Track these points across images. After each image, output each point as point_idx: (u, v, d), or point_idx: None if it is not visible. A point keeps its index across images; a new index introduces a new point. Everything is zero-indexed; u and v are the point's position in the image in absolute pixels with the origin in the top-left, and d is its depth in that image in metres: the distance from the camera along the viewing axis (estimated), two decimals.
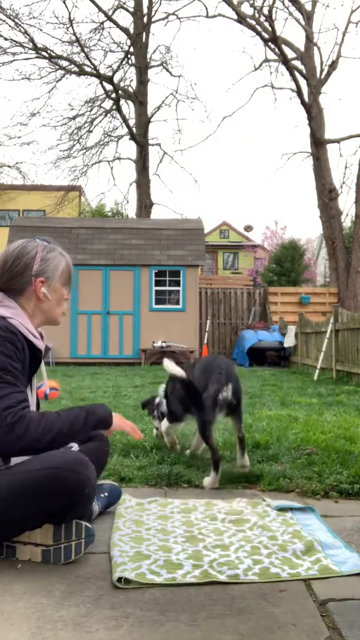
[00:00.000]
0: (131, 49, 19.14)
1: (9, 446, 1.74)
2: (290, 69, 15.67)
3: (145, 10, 18.91)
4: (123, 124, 19.46)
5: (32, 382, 2.03)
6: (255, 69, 17.92)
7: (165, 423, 3.22)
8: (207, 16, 18.03)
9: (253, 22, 15.93)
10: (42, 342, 2.01)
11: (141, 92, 19.10)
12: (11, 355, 1.81)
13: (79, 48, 18.03)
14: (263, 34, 15.81)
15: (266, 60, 17.53)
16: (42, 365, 2.16)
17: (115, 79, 18.65)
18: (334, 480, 2.61)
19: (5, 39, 18.06)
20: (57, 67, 19.08)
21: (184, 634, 1.37)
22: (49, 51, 18.39)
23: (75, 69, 18.85)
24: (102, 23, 18.97)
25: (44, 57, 18.58)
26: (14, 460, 1.88)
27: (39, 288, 1.96)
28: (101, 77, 18.02)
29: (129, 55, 19.31)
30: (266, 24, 15.43)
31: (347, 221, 17.66)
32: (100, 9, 18.03)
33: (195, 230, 13.76)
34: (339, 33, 25.77)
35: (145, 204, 18.86)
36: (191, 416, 3.10)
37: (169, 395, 3.26)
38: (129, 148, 44.76)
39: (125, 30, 18.89)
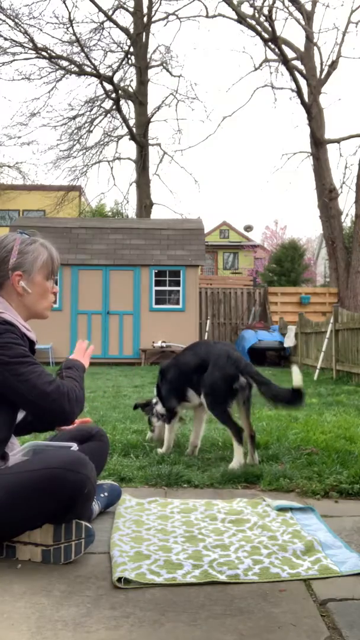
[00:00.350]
0: (131, 49, 19.13)
1: (70, 412, 1.84)
2: (290, 69, 15.67)
3: (145, 10, 18.90)
4: (123, 124, 19.46)
5: None
6: (255, 69, 17.92)
7: (165, 426, 3.29)
8: (207, 16, 18.04)
9: (253, 22, 15.93)
10: (33, 335, 2.00)
11: (141, 92, 19.09)
12: (20, 343, 1.84)
13: (79, 48, 18.01)
14: (263, 34, 15.81)
15: (266, 60, 17.53)
16: None
17: (115, 79, 18.65)
18: (334, 480, 2.61)
19: (5, 39, 18.05)
20: (57, 67, 19.06)
21: (184, 634, 1.37)
22: (49, 51, 18.38)
23: (75, 69, 18.84)
24: (102, 23, 18.97)
25: (44, 57, 18.56)
26: (13, 460, 1.88)
27: (17, 282, 1.92)
28: (101, 77, 18.01)
29: (129, 55, 19.30)
30: (266, 24, 15.43)
31: (347, 221, 17.66)
32: (100, 9, 18.03)
33: (195, 230, 13.76)
34: (339, 33, 25.72)
35: (145, 204, 18.86)
36: (187, 404, 3.27)
37: (161, 388, 3.33)
38: (129, 148, 44.82)
39: (125, 30, 18.88)
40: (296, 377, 2.82)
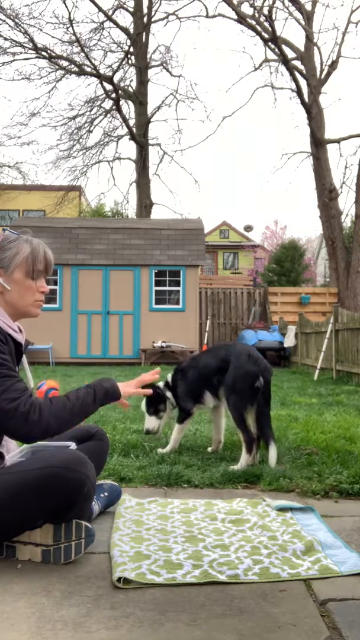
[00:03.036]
0: (131, 49, 19.13)
1: (27, 434, 1.77)
2: (290, 69, 15.66)
3: (145, 10, 18.90)
4: (123, 124, 19.46)
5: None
6: (255, 69, 17.93)
7: (176, 425, 3.30)
8: (207, 16, 18.03)
9: (253, 22, 15.93)
10: (21, 336, 1.97)
11: (141, 92, 19.10)
12: (1, 350, 1.80)
13: (79, 48, 18.00)
14: (263, 34, 15.81)
15: (266, 60, 17.54)
16: (25, 363, 2.15)
17: (115, 79, 18.64)
18: (334, 480, 2.61)
19: (5, 39, 18.05)
20: (57, 67, 19.07)
21: (184, 634, 1.37)
22: (49, 51, 18.38)
23: (75, 69, 18.84)
24: (102, 23, 18.97)
25: (44, 57, 18.56)
26: (12, 461, 1.88)
27: None
28: (101, 77, 18.01)
29: (129, 55, 19.30)
30: (266, 24, 15.43)
31: (347, 221, 17.66)
32: (100, 9, 18.02)
33: (195, 230, 13.76)
34: (339, 33, 25.73)
35: (145, 204, 18.86)
36: (202, 406, 3.27)
37: (177, 387, 3.30)
38: (129, 148, 44.81)
39: (125, 30, 18.88)
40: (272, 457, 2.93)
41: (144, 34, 18.94)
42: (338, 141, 16.35)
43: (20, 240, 1.93)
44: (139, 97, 18.98)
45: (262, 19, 15.61)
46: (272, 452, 2.92)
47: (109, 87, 18.51)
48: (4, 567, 1.74)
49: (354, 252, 15.06)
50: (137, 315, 12.98)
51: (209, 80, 49.67)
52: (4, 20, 17.58)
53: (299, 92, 15.86)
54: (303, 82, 16.17)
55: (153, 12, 18.85)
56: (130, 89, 19.57)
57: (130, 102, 19.78)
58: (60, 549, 1.78)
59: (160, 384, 3.36)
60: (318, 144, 16.02)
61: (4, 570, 1.72)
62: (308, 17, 16.18)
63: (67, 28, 17.86)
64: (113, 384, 1.99)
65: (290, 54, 16.12)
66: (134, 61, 19.27)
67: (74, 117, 20.10)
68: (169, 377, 3.37)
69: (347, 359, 8.71)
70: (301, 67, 16.39)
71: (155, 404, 3.31)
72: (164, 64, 19.64)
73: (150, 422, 3.34)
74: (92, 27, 19.37)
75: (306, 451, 3.19)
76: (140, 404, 3.45)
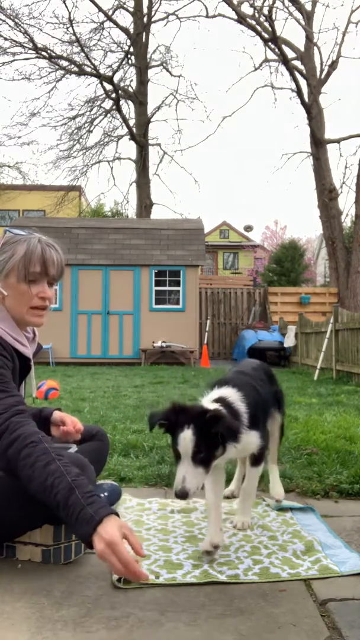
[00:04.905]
0: (131, 49, 19.14)
1: None
2: (290, 69, 15.67)
3: (145, 10, 18.91)
4: (123, 124, 19.48)
5: (20, 389, 1.94)
6: (255, 69, 17.96)
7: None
8: (207, 16, 18.05)
9: (253, 22, 15.93)
10: (28, 349, 1.86)
11: (141, 92, 19.10)
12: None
13: (79, 48, 18.03)
14: (263, 34, 15.81)
15: (266, 60, 17.56)
16: (32, 372, 2.02)
17: (115, 79, 18.67)
18: (334, 480, 2.61)
19: (5, 39, 18.07)
20: (57, 67, 19.08)
21: (184, 634, 1.37)
22: (49, 51, 18.39)
23: (75, 69, 18.85)
24: (102, 23, 18.99)
25: (44, 57, 18.58)
26: None
27: None
28: (101, 77, 18.01)
29: (129, 55, 19.31)
30: (266, 24, 15.43)
31: (347, 221, 17.68)
32: (100, 9, 18.03)
33: (195, 230, 13.76)
34: (339, 33, 25.76)
35: (145, 204, 18.86)
36: None
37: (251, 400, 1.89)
38: (129, 148, 44.81)
39: (125, 30, 18.89)
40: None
41: (144, 34, 18.95)
42: (338, 141, 16.36)
43: (20, 242, 1.82)
44: (139, 97, 18.99)
45: (262, 19, 15.62)
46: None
47: (109, 87, 18.53)
48: (4, 567, 1.74)
49: (354, 252, 15.07)
50: (137, 315, 12.98)
51: (209, 80, 49.74)
52: (4, 20, 17.61)
53: (299, 92, 15.86)
54: (303, 82, 16.18)
55: (153, 12, 18.87)
56: (130, 89, 19.58)
57: (130, 102, 19.79)
58: (60, 549, 1.78)
59: None
60: (318, 144, 16.03)
61: (4, 570, 1.72)
62: (308, 17, 16.19)
63: (67, 28, 17.90)
64: (89, 529, 1.44)
65: (290, 54, 16.14)
66: (134, 61, 19.27)
67: (74, 117, 20.13)
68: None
69: (347, 359, 8.70)
70: (301, 67, 16.39)
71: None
72: (164, 64, 19.67)
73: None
74: (92, 27, 19.44)
75: (306, 451, 3.19)
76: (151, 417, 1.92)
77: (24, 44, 18.04)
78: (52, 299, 1.87)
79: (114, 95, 18.63)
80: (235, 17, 15.97)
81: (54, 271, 1.84)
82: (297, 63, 16.43)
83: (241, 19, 15.81)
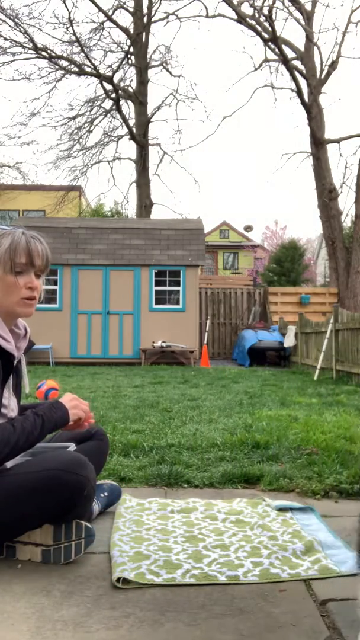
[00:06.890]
0: (131, 49, 19.13)
1: None
2: (290, 69, 15.67)
3: (145, 10, 18.90)
4: (123, 124, 19.47)
5: (10, 386, 1.92)
6: (255, 69, 17.93)
7: None
8: (207, 16, 18.04)
9: (253, 22, 15.93)
10: (12, 344, 1.85)
11: (141, 92, 19.10)
12: None
13: (79, 48, 18.02)
14: (263, 34, 15.81)
15: (266, 60, 17.54)
16: (24, 366, 2.02)
17: (115, 79, 18.65)
18: (334, 480, 2.61)
19: (5, 39, 18.05)
20: (57, 67, 19.07)
21: (184, 634, 1.37)
22: (49, 51, 18.38)
23: (75, 69, 18.84)
24: (102, 23, 18.97)
25: (44, 57, 18.57)
26: (12, 462, 1.87)
27: None
28: (101, 77, 18.01)
29: (129, 55, 19.30)
30: (266, 24, 15.43)
31: (347, 221, 17.65)
32: (100, 9, 18.02)
33: (195, 230, 13.76)
34: (339, 33, 25.76)
35: (145, 204, 18.86)
36: None
37: None
38: (129, 148, 44.77)
39: (125, 30, 18.88)
40: None
41: (144, 34, 18.94)
42: (338, 141, 16.36)
43: (4, 235, 1.84)
44: (139, 97, 18.98)
45: (262, 19, 15.62)
46: None
47: (109, 87, 18.52)
48: (4, 567, 1.74)
49: (354, 252, 15.07)
50: (137, 315, 12.98)
51: (209, 80, 49.65)
52: (4, 20, 17.59)
53: (299, 92, 15.86)
54: (303, 82, 16.18)
55: (153, 12, 18.86)
56: (130, 89, 19.57)
57: (130, 102, 19.78)
58: (60, 549, 1.78)
59: None
60: (318, 144, 16.02)
61: (4, 570, 1.72)
62: (308, 17, 16.18)
63: (67, 28, 17.90)
64: (62, 417, 1.87)
65: (290, 54, 16.13)
66: (134, 61, 19.27)
67: (74, 117, 20.11)
68: None
69: (347, 359, 8.71)
70: (301, 67, 16.39)
71: None
72: (164, 64, 19.65)
73: None
74: (92, 27, 19.42)
75: (306, 451, 3.19)
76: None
77: (24, 44, 18.04)
78: (40, 289, 1.89)
79: (114, 95, 18.63)
80: (235, 17, 15.97)
81: (39, 262, 1.86)
82: (297, 63, 16.42)
83: (241, 19, 15.81)
